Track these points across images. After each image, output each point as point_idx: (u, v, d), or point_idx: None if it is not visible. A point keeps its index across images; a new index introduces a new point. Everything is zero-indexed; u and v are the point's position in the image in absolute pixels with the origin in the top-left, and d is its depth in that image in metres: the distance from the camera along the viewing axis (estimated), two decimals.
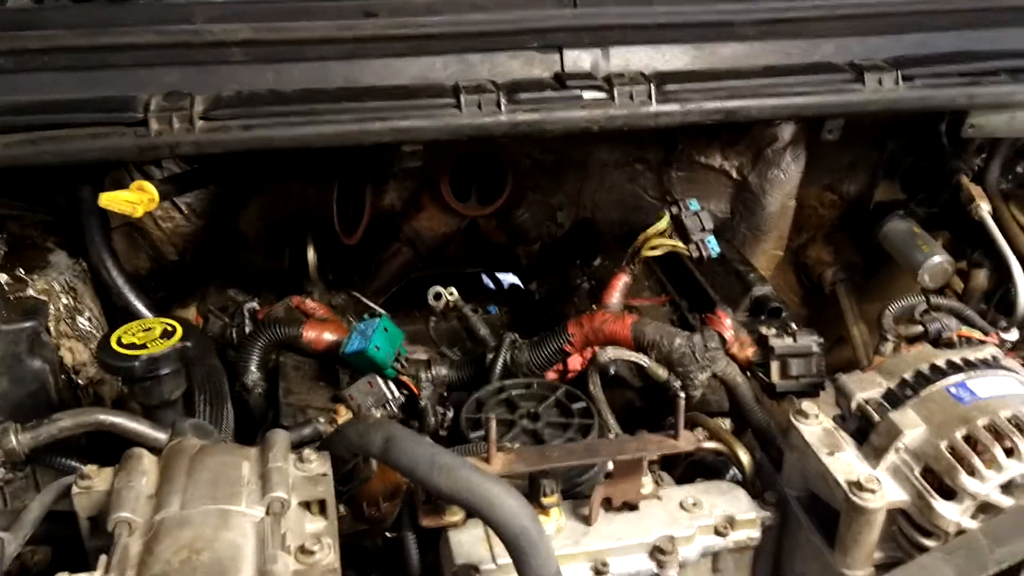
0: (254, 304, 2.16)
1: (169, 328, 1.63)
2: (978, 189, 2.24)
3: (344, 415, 1.67)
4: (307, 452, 1.37)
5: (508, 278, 2.87)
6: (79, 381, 1.95)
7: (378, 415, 1.74)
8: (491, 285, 2.85)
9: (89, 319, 2.00)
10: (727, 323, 1.76)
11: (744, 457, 1.62)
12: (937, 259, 2.29)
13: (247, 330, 2.11)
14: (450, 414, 1.96)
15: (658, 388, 1.89)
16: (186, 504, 1.27)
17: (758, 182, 2.49)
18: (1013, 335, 1.93)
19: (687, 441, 1.42)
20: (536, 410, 1.67)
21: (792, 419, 1.50)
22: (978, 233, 2.32)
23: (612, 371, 1.94)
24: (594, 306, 2.28)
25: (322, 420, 1.67)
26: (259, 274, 2.41)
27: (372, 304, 2.41)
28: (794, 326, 1.92)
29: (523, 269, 2.71)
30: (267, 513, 1.27)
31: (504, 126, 1.79)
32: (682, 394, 1.40)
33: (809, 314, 2.78)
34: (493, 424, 1.37)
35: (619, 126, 1.84)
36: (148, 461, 1.36)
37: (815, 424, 1.49)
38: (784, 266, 2.73)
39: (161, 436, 1.45)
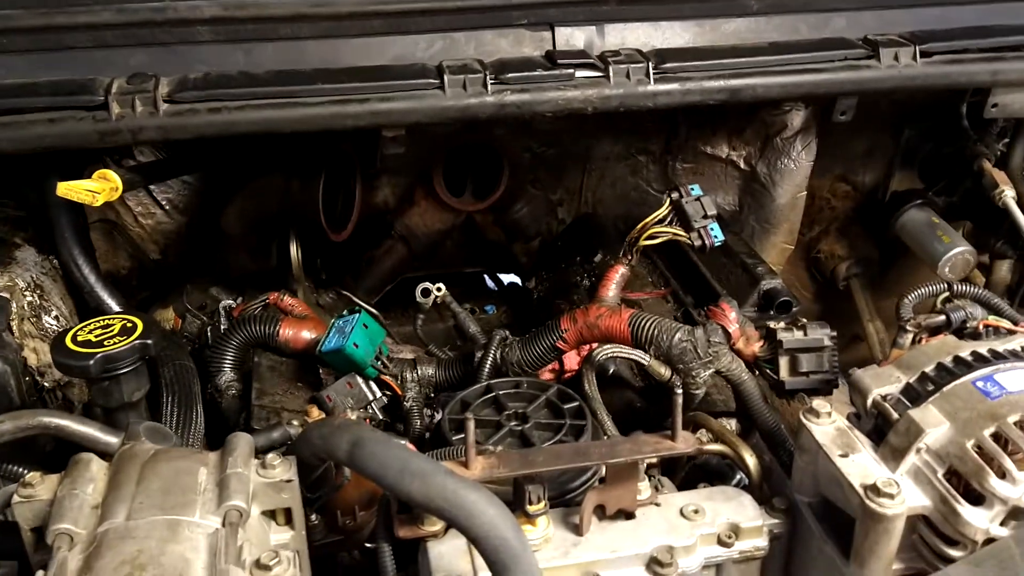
0: (230, 301, 2.06)
1: (129, 324, 1.53)
2: (1002, 174, 2.13)
3: (316, 416, 1.55)
4: (270, 457, 1.29)
5: (509, 278, 2.77)
6: (45, 384, 1.85)
7: (354, 417, 1.62)
8: (492, 285, 2.75)
9: (57, 318, 1.91)
10: (731, 316, 1.63)
11: (750, 460, 1.50)
12: (958, 249, 2.20)
13: (222, 329, 2.00)
14: (438, 416, 1.85)
15: (661, 388, 1.78)
16: (133, 514, 1.18)
17: (767, 172, 2.39)
18: None
19: (685, 442, 1.30)
20: (525, 411, 1.55)
21: (802, 418, 1.38)
22: (1002, 222, 2.21)
23: (611, 370, 1.84)
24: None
25: (295, 423, 1.55)
26: (245, 273, 2.32)
27: (362, 303, 2.32)
28: (803, 320, 1.80)
29: (522, 267, 2.60)
30: (223, 524, 1.18)
31: (491, 107, 1.71)
32: (679, 390, 1.27)
33: (822, 310, 2.68)
34: (471, 425, 1.25)
35: (614, 106, 1.75)
36: (96, 467, 1.27)
37: (827, 423, 1.37)
38: (795, 260, 2.63)
39: (113, 440, 1.35)
